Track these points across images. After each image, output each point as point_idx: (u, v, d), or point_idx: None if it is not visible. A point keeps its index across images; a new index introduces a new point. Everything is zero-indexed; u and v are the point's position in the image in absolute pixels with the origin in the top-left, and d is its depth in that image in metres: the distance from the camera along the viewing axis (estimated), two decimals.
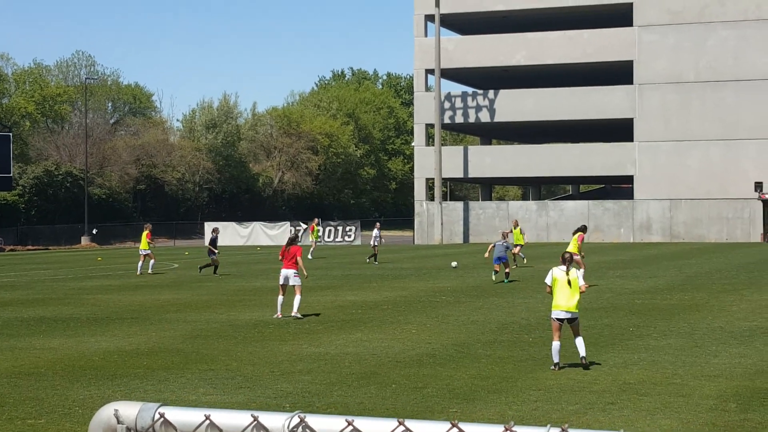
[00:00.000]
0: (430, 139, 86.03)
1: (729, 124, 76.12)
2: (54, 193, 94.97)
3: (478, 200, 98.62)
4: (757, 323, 23.91)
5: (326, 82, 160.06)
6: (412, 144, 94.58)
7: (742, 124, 75.84)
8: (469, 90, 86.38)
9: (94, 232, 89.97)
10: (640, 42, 78.05)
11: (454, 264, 43.12)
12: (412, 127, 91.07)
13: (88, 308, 30.56)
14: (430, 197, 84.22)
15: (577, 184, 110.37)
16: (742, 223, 75.41)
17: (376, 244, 52.92)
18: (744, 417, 13.90)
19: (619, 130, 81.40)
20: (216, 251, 44.31)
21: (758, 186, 74.25)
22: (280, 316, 26.35)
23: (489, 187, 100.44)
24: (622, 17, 78.90)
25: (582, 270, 33.47)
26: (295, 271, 26.38)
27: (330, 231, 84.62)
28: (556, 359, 17.92)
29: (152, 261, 46.39)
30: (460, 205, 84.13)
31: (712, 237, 75.20)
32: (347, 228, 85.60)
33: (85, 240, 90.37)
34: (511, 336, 22.43)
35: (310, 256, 57.38)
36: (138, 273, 45.72)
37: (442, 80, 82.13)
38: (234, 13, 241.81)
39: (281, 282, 26.60)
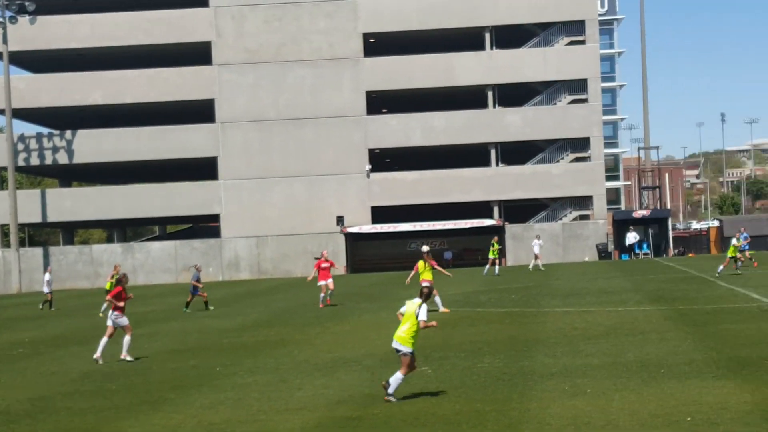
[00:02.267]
0: (3, 183, 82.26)
1: (310, 161, 78.23)
2: None
3: (60, 245, 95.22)
4: (340, 354, 24.29)
5: None
6: None
7: (322, 160, 78.19)
8: (45, 131, 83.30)
9: None
10: (220, 80, 78.69)
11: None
12: None
13: None
14: (6, 244, 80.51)
15: (165, 224, 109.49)
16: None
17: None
18: None
19: (205, 169, 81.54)
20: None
21: (340, 220, 76.88)
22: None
23: (71, 231, 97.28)
24: (202, 56, 79.18)
25: None
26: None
27: None
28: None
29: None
30: (39, 251, 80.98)
31: (299, 272, 76.68)
32: None
33: None
34: (94, 385, 21.43)
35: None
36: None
37: (17, 121, 78.76)
38: None
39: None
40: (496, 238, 59.80)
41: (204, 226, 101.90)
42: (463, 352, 23.25)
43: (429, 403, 16.89)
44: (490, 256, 57.25)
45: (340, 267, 75.68)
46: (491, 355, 22.43)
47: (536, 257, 62.35)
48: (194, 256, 78.27)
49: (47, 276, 50.50)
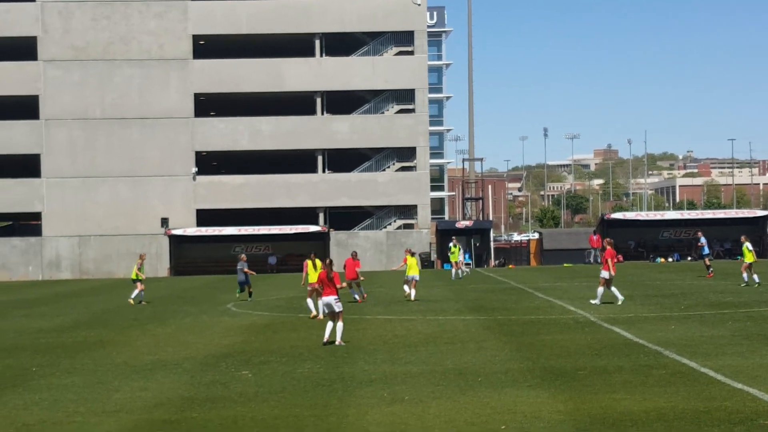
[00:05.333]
0: None
1: (136, 161, 77.28)
2: None
3: None
4: (159, 356, 24.19)
5: None
6: None
7: (147, 161, 77.33)
8: None
9: None
10: (45, 77, 76.97)
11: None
12: None
13: None
14: None
15: None
16: (150, 258, 76.59)
17: None
18: None
19: (26, 166, 79.49)
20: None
21: (164, 222, 76.24)
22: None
23: None
24: (27, 51, 77.32)
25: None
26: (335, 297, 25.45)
27: None
28: None
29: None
30: None
31: (121, 273, 75.58)
32: None
33: None
34: None
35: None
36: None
37: None
38: None
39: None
40: (454, 239, 60.24)
41: (25, 224, 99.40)
42: (284, 356, 23.41)
43: (248, 407, 17.00)
44: (452, 260, 58.20)
45: (164, 270, 75.13)
46: (312, 360, 22.63)
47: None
48: (14, 254, 76.57)
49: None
